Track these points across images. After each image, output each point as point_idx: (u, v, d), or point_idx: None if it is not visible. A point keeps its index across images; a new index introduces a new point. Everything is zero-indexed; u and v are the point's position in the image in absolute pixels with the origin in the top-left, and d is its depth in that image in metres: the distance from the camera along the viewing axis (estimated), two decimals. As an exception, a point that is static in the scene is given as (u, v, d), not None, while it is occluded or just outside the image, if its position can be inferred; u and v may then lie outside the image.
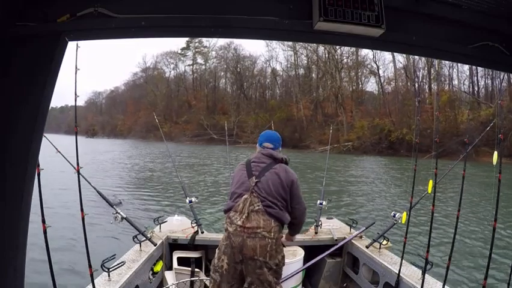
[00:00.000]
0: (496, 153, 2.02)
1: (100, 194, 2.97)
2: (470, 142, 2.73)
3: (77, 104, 2.35)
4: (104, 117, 66.38)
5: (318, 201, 3.60)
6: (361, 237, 3.43)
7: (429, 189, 2.46)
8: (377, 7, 1.18)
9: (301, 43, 39.87)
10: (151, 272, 2.93)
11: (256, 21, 1.20)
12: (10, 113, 1.08)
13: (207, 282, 2.97)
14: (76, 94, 2.23)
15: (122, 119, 60.42)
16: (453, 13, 1.27)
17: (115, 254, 2.64)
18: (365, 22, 1.18)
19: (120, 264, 2.58)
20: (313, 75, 45.92)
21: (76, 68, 2.12)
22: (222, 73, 54.58)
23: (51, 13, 1.08)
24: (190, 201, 3.65)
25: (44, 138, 1.23)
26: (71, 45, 1.18)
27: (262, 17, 1.19)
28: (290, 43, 42.69)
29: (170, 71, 58.99)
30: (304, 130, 40.12)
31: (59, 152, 2.51)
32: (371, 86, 44.30)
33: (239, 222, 2.01)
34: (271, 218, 2.04)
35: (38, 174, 1.50)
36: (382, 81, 40.76)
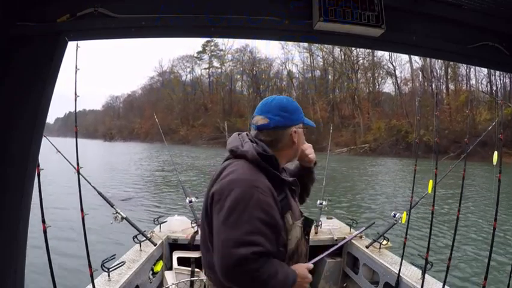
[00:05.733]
0: (496, 153, 2.03)
1: (100, 194, 2.97)
2: (471, 142, 2.73)
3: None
4: (121, 121, 66.73)
5: (318, 201, 3.59)
6: (361, 237, 3.42)
7: (429, 190, 2.46)
8: (377, 7, 1.18)
9: (316, 44, 39.61)
10: (151, 272, 2.93)
11: (256, 21, 1.20)
12: (10, 113, 1.08)
13: (207, 282, 2.96)
14: (75, 94, 2.24)
15: (139, 123, 60.49)
16: (453, 13, 1.27)
17: (115, 254, 2.63)
18: (365, 22, 1.18)
19: (120, 264, 2.58)
20: (330, 76, 45.66)
21: (76, 67, 2.12)
22: (238, 76, 54.55)
23: (51, 13, 1.08)
24: (190, 201, 3.65)
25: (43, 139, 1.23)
26: (74, 45, 1.18)
27: (262, 17, 1.19)
28: (306, 44, 42.46)
29: (186, 75, 59.39)
30: (320, 132, 39.94)
31: (59, 152, 2.51)
32: (388, 87, 43.98)
33: None
34: None
35: (38, 174, 1.50)
36: (399, 82, 40.55)
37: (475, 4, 1.25)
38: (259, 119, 1.13)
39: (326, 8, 1.15)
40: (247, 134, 1.17)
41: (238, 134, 1.18)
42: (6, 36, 1.05)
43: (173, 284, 2.85)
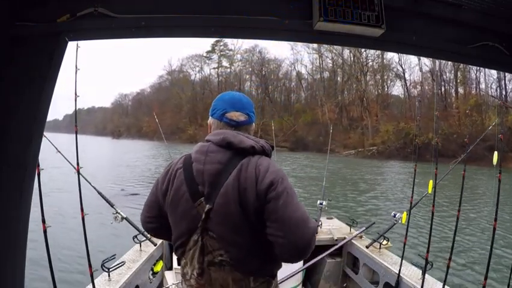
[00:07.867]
0: (496, 153, 2.03)
1: (100, 193, 2.96)
2: (471, 142, 2.73)
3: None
4: (130, 119, 66.61)
5: (318, 201, 3.59)
6: (361, 237, 3.42)
7: (430, 190, 2.46)
8: (377, 7, 1.19)
9: (325, 45, 39.30)
10: (151, 272, 2.93)
11: (256, 21, 1.20)
12: (10, 112, 1.08)
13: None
14: (75, 94, 2.23)
15: (147, 121, 59.51)
16: (453, 13, 1.27)
17: (115, 254, 2.63)
18: (365, 22, 1.18)
19: (120, 264, 2.58)
20: (339, 78, 45.29)
21: (76, 67, 2.12)
22: (247, 76, 54.42)
23: (51, 13, 1.08)
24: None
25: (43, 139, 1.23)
26: (74, 45, 1.18)
27: (262, 17, 1.19)
28: (315, 45, 42.23)
29: (195, 74, 59.26)
30: (328, 134, 39.35)
31: (59, 152, 2.51)
32: (397, 89, 43.65)
33: (192, 281, 1.13)
34: (249, 274, 1.09)
35: (38, 174, 1.50)
36: (408, 84, 40.05)
37: (475, 4, 1.25)
38: (238, 115, 1.18)
39: (326, 8, 1.15)
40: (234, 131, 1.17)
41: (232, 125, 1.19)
42: (6, 36, 1.05)
43: (173, 284, 2.85)
